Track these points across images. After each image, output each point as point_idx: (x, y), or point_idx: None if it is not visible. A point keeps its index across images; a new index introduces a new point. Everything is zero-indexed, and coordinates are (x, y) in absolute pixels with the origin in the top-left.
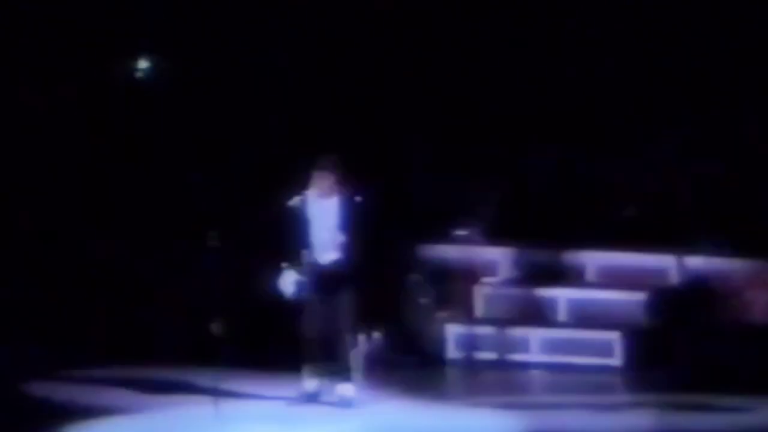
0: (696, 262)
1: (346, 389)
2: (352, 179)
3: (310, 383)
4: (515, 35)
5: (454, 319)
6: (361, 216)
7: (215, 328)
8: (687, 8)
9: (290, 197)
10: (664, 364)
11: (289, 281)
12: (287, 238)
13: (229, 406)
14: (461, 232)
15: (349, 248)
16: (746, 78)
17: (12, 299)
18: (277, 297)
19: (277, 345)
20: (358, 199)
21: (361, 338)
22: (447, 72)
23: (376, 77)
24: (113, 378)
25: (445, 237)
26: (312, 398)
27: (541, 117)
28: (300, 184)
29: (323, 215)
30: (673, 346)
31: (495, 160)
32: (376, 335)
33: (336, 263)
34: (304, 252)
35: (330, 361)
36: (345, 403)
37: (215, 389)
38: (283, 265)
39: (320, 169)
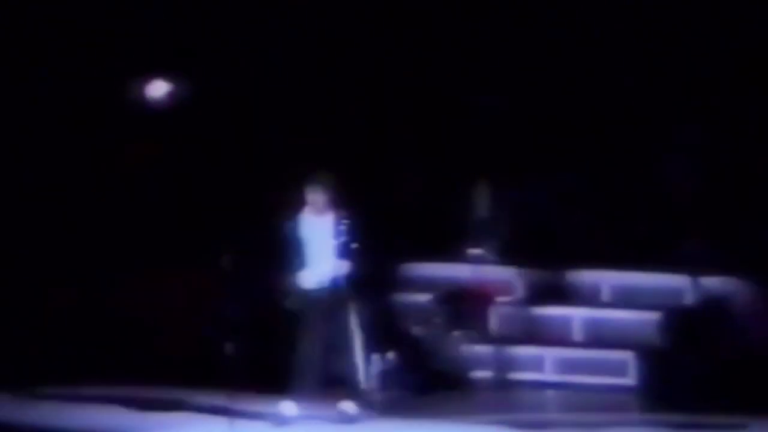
0: (711, 282)
1: (348, 406)
2: (346, 196)
3: (290, 406)
4: (522, 53)
5: (468, 339)
6: (360, 234)
7: (228, 348)
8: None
9: (288, 217)
10: (678, 384)
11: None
12: (288, 258)
13: (242, 427)
14: (475, 252)
15: (349, 266)
16: (747, 89)
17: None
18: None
19: (287, 364)
20: (345, 222)
21: (375, 358)
22: (459, 90)
23: (384, 95)
24: (124, 398)
25: (459, 257)
26: (292, 421)
27: (554, 134)
28: (297, 203)
29: (319, 234)
30: (687, 366)
31: (509, 179)
32: (390, 355)
33: (335, 282)
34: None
35: (335, 379)
36: (347, 420)
37: (229, 409)
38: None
39: (313, 186)
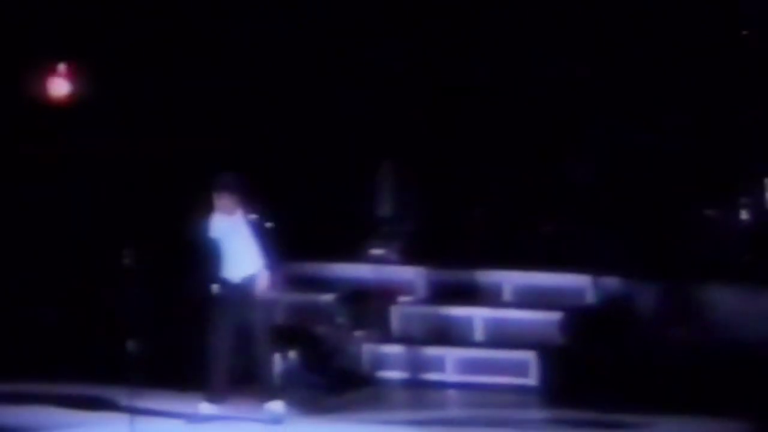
0: (612, 282)
1: (275, 406)
2: (254, 197)
3: (206, 406)
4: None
5: (370, 339)
6: (269, 233)
7: (130, 346)
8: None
9: (199, 218)
10: (580, 384)
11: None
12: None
13: (144, 424)
14: (377, 252)
15: (259, 265)
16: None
17: None
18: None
19: (192, 362)
20: (254, 221)
21: (277, 357)
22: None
23: (285, 92)
24: (25, 395)
25: (361, 256)
26: (208, 420)
27: (459, 133)
28: (208, 204)
29: (230, 234)
30: (589, 366)
31: (413, 177)
32: (292, 355)
33: (248, 281)
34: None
35: (251, 379)
36: (275, 421)
37: (130, 407)
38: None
39: (221, 187)
